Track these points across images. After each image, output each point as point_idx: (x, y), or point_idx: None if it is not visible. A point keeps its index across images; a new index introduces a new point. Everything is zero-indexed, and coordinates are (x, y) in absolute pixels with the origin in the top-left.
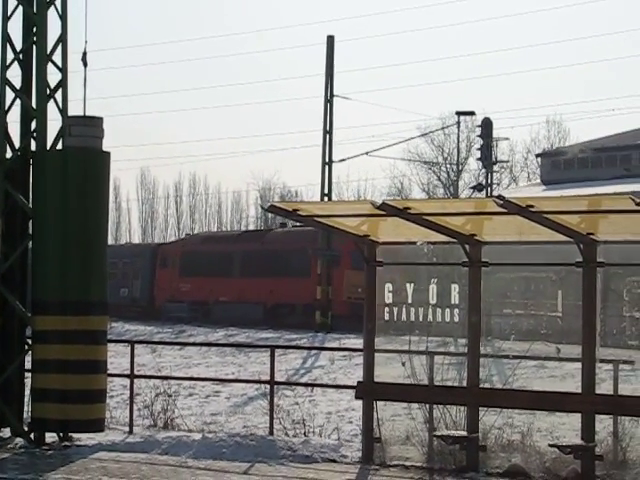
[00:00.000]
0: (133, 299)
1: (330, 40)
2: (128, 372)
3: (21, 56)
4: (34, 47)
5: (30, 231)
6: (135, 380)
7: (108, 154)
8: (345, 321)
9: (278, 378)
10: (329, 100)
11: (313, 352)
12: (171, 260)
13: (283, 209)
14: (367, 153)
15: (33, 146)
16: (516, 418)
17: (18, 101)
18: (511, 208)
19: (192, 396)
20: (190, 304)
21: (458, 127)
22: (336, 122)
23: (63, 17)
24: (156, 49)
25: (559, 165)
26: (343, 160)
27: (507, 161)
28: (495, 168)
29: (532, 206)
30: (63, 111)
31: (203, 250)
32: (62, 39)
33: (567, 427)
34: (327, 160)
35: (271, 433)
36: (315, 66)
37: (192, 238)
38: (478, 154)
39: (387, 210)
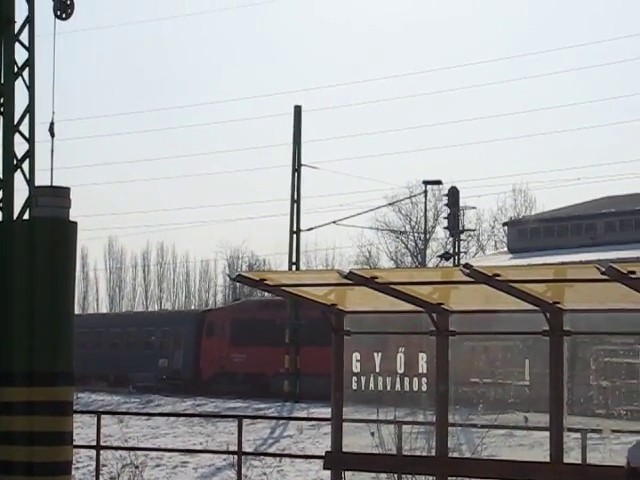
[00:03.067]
0: (174, 371)
1: (297, 110)
2: (94, 443)
3: None
4: (1, 117)
5: None
6: (101, 451)
7: (75, 224)
8: None
9: (246, 448)
10: (297, 169)
11: (281, 422)
12: (220, 328)
13: (251, 279)
14: (335, 222)
15: (0, 216)
16: None
17: None
18: (478, 277)
19: (159, 467)
20: (245, 376)
21: (425, 196)
22: (304, 191)
23: (30, 88)
24: (123, 119)
25: (526, 234)
26: (311, 229)
27: (474, 230)
28: (462, 237)
29: (498, 275)
30: (30, 181)
31: (259, 317)
32: (29, 110)
33: None
34: (295, 229)
35: None
36: (283, 135)
37: (245, 304)
38: (445, 223)
39: (354, 279)
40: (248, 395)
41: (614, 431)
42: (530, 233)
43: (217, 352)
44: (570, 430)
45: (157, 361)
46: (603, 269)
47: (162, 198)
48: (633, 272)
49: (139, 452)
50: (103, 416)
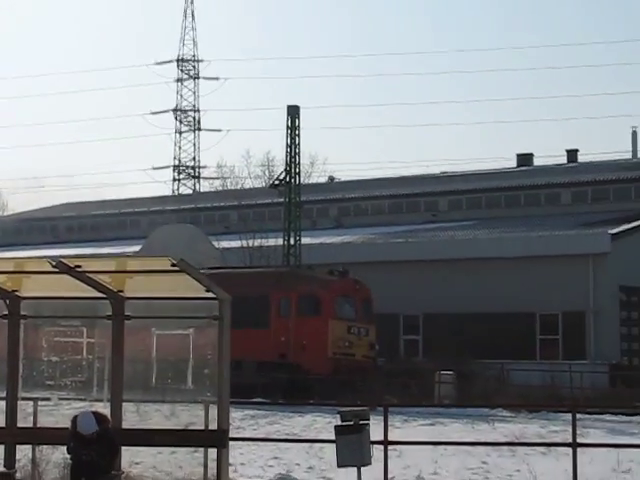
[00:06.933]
0: None
1: None
2: None
3: None
4: None
5: None
6: None
7: None
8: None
9: None
10: None
11: None
12: None
13: None
14: None
15: None
16: None
17: None
18: None
19: None
20: None
21: None
22: None
23: None
24: None
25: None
26: None
27: None
28: None
29: None
30: None
31: None
32: None
33: None
34: None
35: None
36: None
37: None
38: None
39: None
40: None
41: (61, 399)
42: (5, 231)
43: None
44: (25, 399)
45: None
46: (54, 263)
47: None
48: (79, 266)
49: None
50: None
